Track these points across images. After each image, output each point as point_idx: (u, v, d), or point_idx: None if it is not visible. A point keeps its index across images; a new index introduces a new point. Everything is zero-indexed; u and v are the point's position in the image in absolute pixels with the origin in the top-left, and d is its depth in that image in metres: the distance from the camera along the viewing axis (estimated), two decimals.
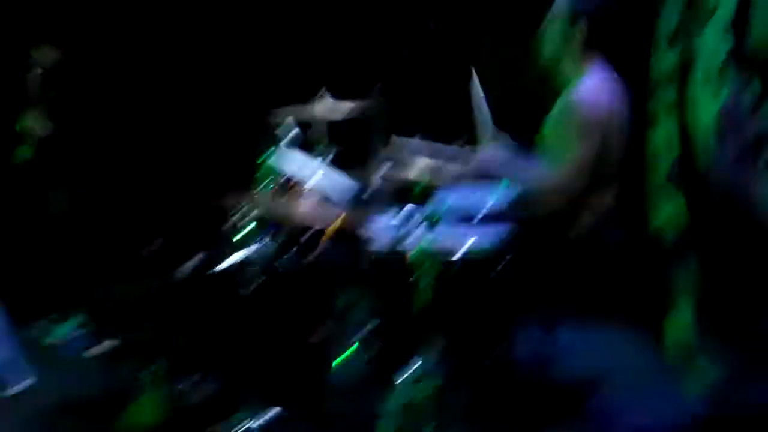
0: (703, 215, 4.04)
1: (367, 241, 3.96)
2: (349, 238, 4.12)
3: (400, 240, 3.66)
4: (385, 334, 3.73)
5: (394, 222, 3.73)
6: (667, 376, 3.64)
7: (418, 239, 3.61)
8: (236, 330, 3.82)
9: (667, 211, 4.30)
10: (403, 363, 3.62)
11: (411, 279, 3.59)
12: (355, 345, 3.71)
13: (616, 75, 3.97)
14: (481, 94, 4.18)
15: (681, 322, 3.90)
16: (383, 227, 3.85)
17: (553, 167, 3.93)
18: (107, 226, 5.62)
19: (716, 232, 3.87)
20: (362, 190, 4.34)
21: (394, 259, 3.65)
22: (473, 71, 4.20)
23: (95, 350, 4.55)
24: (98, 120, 5.78)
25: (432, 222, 3.62)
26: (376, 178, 4.39)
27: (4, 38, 5.33)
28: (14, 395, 4.31)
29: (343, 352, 3.74)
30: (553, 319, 3.63)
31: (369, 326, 3.78)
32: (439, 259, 3.59)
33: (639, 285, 4.05)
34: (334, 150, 4.59)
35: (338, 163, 4.52)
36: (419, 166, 4.04)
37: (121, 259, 5.51)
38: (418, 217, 3.76)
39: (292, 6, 5.89)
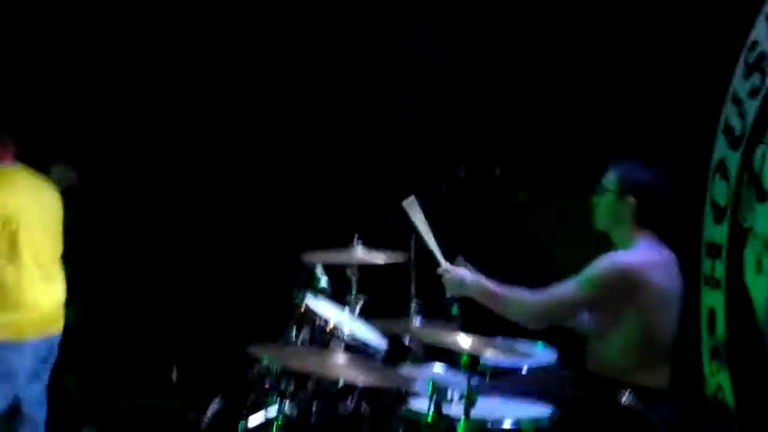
0: (757, 386, 3.92)
1: (403, 399, 3.81)
2: (382, 394, 3.95)
3: (440, 402, 3.48)
4: None
5: (434, 383, 3.53)
6: None
7: (461, 404, 3.43)
8: None
9: (718, 382, 4.19)
10: None
11: None
12: None
13: (667, 249, 3.89)
14: (422, 219, 4.12)
15: None
16: (420, 386, 3.69)
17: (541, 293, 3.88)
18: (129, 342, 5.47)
19: None
20: (395, 343, 4.21)
21: (433, 424, 3.47)
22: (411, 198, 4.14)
23: None
24: (121, 243, 5.68)
25: (475, 389, 3.44)
26: (410, 332, 4.28)
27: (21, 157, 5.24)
28: None
29: None
30: None
31: None
32: (482, 428, 3.42)
33: None
34: (364, 299, 4.47)
35: (368, 313, 4.40)
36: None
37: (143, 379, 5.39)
38: (460, 380, 3.63)
39: (328, 151, 5.87)
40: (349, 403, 3.89)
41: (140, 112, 5.99)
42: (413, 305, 4.49)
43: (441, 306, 4.35)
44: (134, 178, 5.95)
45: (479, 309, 4.08)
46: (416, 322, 4.46)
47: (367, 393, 3.91)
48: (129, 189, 5.94)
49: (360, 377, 3.58)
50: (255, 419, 3.64)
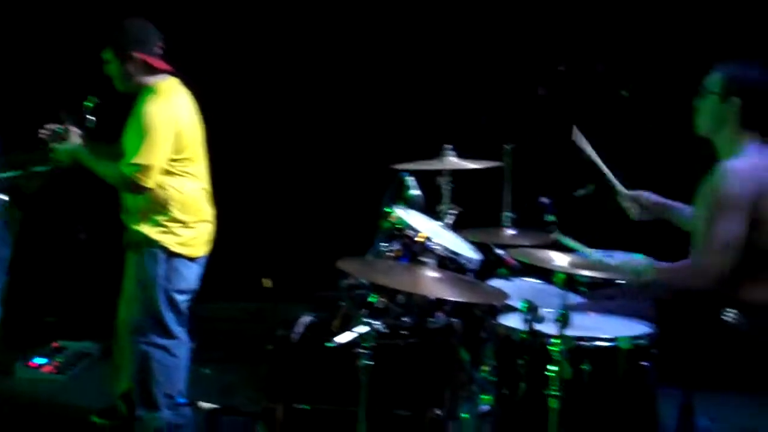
0: None
1: (495, 313, 3.72)
2: (474, 308, 3.87)
3: (535, 320, 3.36)
4: (505, 418, 3.47)
5: (528, 301, 3.41)
6: None
7: (555, 322, 3.31)
8: (346, 401, 3.54)
9: None
10: None
11: (542, 364, 3.29)
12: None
13: None
14: (589, 147, 4.02)
15: None
16: (512, 301, 3.59)
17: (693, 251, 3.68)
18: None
19: None
20: (488, 255, 4.10)
21: (526, 341, 3.37)
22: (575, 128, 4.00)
23: None
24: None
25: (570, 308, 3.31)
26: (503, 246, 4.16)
27: None
28: None
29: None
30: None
31: (488, 407, 3.56)
32: (577, 346, 3.30)
33: None
34: (456, 210, 4.35)
35: (461, 224, 4.28)
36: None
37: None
38: (554, 295, 3.52)
39: (416, 57, 5.70)
40: (440, 316, 3.82)
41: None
42: (506, 215, 4.37)
43: (536, 214, 4.22)
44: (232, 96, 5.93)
45: (576, 216, 3.94)
46: (510, 232, 4.35)
47: (459, 307, 3.84)
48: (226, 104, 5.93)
49: (451, 293, 3.51)
50: (345, 336, 3.57)
